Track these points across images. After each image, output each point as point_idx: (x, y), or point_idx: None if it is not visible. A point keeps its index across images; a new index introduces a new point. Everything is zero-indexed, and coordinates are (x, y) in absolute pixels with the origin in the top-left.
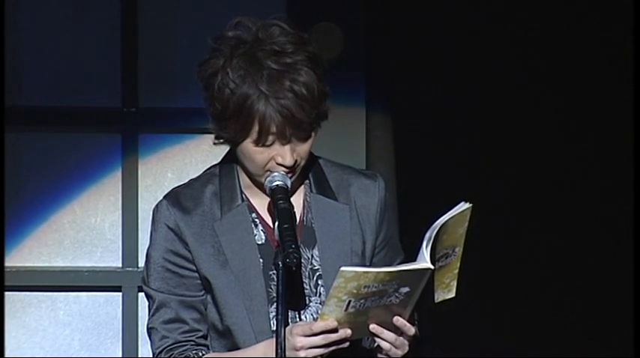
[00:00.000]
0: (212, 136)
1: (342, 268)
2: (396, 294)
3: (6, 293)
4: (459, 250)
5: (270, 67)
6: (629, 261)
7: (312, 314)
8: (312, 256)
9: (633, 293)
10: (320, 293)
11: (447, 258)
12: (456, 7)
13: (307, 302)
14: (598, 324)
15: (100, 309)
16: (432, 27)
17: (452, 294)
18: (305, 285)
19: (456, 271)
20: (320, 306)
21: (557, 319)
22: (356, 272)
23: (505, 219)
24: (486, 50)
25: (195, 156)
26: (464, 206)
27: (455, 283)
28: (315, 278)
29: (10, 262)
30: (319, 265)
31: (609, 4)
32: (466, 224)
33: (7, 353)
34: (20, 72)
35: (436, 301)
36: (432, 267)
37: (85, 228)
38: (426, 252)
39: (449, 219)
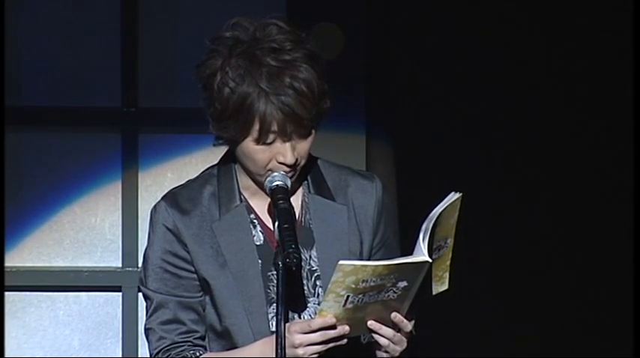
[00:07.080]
0: (212, 136)
1: (341, 262)
2: (394, 289)
3: (6, 293)
4: (450, 241)
5: (270, 64)
6: (629, 261)
7: (310, 315)
8: (311, 257)
9: (633, 293)
10: (318, 295)
11: (440, 250)
12: (458, 7)
13: (305, 303)
14: (598, 324)
15: (100, 309)
16: (433, 27)
17: (445, 287)
18: (303, 286)
19: (448, 263)
20: (318, 307)
21: (557, 319)
22: (354, 265)
23: (505, 219)
24: (488, 51)
25: (195, 156)
26: (454, 196)
27: (447, 275)
28: (313, 279)
29: (10, 262)
30: (317, 266)
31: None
32: (457, 214)
33: (7, 353)
34: (20, 72)
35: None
36: (429, 260)
37: (85, 228)
38: (423, 244)
39: (442, 210)
